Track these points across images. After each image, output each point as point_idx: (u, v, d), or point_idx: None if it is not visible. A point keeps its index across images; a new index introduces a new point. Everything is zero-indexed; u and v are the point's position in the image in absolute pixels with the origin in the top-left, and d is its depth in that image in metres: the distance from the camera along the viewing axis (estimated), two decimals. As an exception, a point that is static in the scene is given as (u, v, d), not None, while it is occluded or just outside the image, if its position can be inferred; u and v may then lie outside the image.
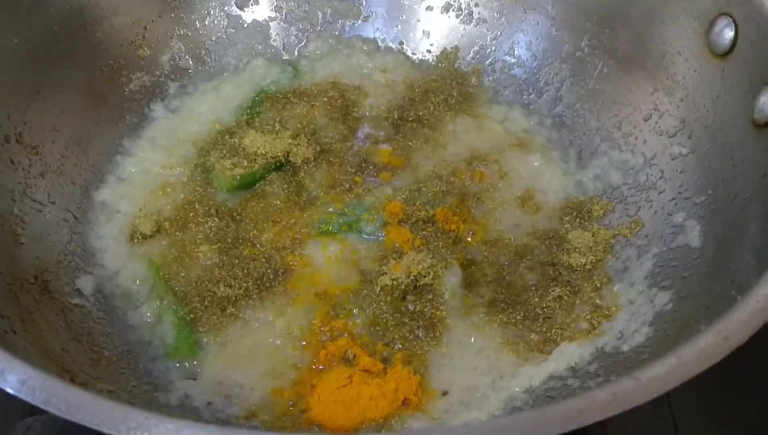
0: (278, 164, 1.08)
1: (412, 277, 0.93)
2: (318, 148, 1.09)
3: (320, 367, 0.88)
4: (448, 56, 1.23)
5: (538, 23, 1.18)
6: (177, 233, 1.00)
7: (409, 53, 1.25)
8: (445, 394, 0.87)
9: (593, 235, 1.00)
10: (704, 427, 0.97)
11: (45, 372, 0.61)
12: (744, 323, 0.67)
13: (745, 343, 0.66)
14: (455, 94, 1.18)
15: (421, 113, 1.16)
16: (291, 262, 0.98)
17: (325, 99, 1.15)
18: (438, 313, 0.93)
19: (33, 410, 0.84)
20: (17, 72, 1.00)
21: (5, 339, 0.75)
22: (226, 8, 1.24)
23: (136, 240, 1.00)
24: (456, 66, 1.22)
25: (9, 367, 0.61)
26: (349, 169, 1.08)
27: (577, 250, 0.99)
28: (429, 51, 1.24)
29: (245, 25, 1.24)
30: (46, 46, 1.04)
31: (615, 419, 0.61)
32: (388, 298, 0.93)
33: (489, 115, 1.17)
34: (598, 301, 0.94)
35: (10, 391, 0.60)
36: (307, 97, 1.16)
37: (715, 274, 0.86)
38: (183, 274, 0.96)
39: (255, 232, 1.01)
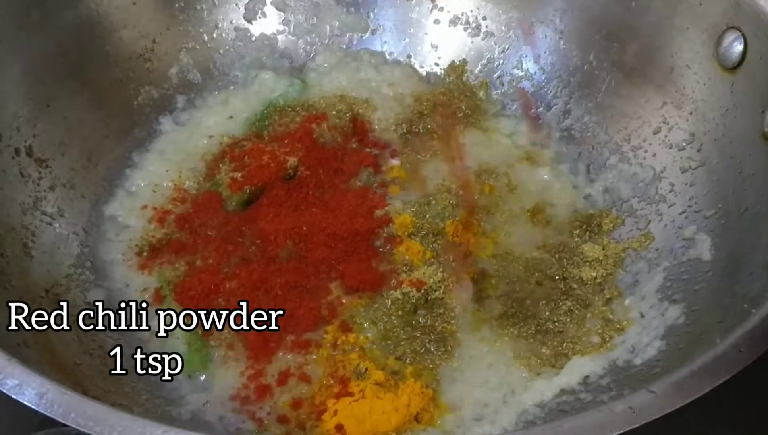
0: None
1: (423, 291, 0.93)
2: (327, 161, 1.09)
3: (332, 380, 0.87)
4: (455, 69, 1.22)
5: (546, 37, 1.18)
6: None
7: (417, 66, 1.25)
8: (456, 408, 0.86)
9: (603, 249, 1.00)
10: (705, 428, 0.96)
11: (61, 386, 0.61)
12: (759, 337, 0.68)
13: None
14: (463, 108, 1.18)
15: (429, 127, 1.16)
16: (302, 276, 0.98)
17: (334, 112, 1.15)
18: (449, 326, 0.92)
19: (43, 424, 0.83)
20: (27, 85, 1.00)
21: (19, 352, 0.74)
22: (233, 21, 1.24)
23: (145, 253, 1.00)
24: (464, 79, 1.22)
25: (27, 381, 0.61)
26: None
27: (587, 263, 0.99)
28: (437, 64, 1.24)
29: (253, 39, 1.24)
30: (56, 60, 1.04)
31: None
32: (399, 312, 0.92)
33: (497, 128, 1.17)
34: (609, 314, 0.94)
35: (28, 404, 0.60)
36: (316, 110, 1.16)
37: (726, 288, 0.86)
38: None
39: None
